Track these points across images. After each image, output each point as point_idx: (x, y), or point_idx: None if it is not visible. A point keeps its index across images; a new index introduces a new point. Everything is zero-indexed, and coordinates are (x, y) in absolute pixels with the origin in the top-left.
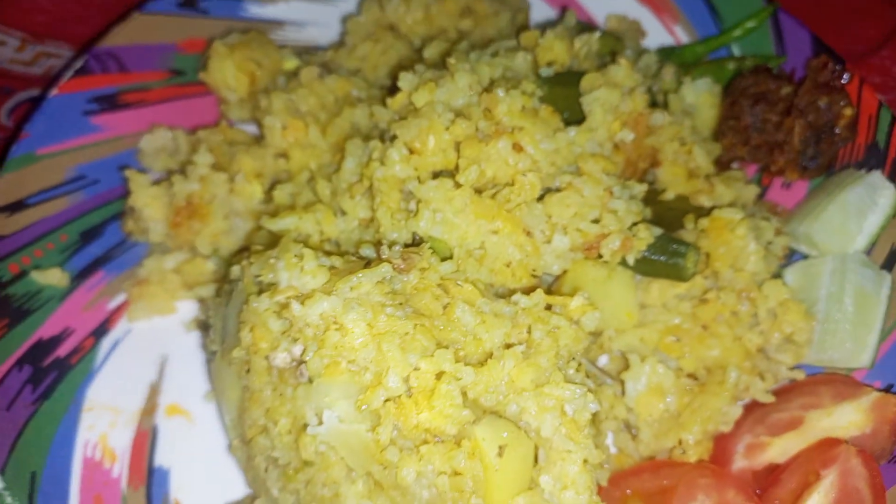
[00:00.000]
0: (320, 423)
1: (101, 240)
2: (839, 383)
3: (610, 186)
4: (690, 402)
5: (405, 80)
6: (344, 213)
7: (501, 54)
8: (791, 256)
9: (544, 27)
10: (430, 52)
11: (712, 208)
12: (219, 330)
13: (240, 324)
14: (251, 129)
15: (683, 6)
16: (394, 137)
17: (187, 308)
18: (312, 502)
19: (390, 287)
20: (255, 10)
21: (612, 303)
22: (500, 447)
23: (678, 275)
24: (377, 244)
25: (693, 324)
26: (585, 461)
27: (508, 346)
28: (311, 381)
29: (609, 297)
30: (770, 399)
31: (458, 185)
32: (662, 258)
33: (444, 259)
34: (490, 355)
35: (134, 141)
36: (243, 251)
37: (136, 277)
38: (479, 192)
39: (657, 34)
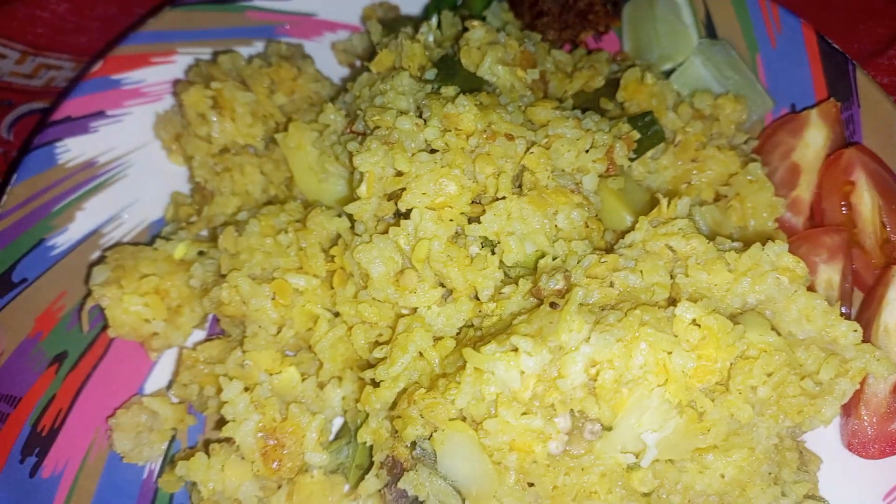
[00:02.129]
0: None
1: None
2: (788, 122)
3: (580, 122)
4: None
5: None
6: None
7: (386, 86)
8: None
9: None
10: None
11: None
12: None
13: None
14: None
15: None
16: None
17: None
18: None
19: None
20: None
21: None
22: None
23: (660, 137)
24: None
25: None
26: None
27: None
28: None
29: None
30: None
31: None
32: (645, 134)
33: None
34: None
35: None
36: None
37: None
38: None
39: None
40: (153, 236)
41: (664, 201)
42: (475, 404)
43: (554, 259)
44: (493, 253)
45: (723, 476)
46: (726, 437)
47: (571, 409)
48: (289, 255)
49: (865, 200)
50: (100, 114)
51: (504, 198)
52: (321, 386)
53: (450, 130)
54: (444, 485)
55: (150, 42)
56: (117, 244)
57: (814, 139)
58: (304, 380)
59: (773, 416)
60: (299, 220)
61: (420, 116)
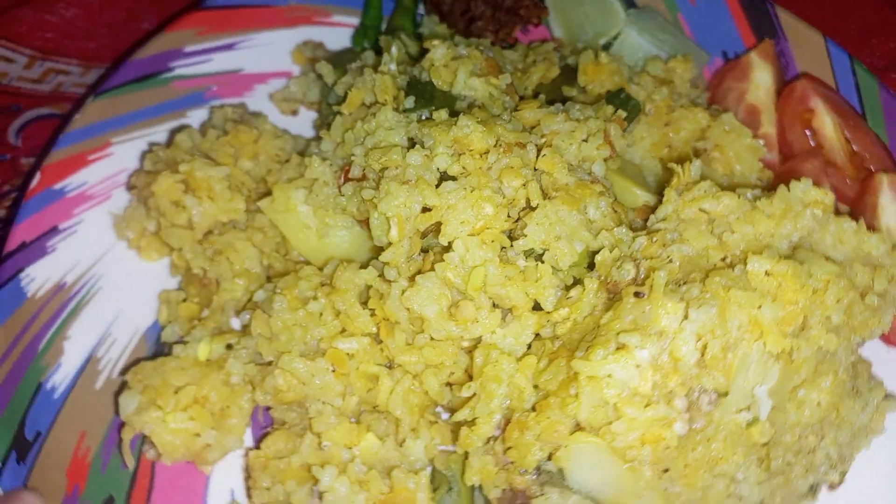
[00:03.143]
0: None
1: None
2: (731, 69)
3: (568, 114)
4: None
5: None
6: None
7: (370, 125)
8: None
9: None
10: None
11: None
12: None
13: None
14: None
15: None
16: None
17: None
18: None
19: None
20: None
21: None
22: None
23: (638, 109)
24: None
25: None
26: None
27: None
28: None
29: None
30: None
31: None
32: (626, 110)
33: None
34: None
35: None
36: None
37: None
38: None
39: None
40: (154, 344)
41: (679, 168)
42: (593, 412)
43: (600, 251)
44: (543, 261)
45: (819, 404)
46: (814, 369)
47: (690, 388)
48: (326, 321)
49: (826, 123)
50: (52, 231)
51: (537, 206)
52: (401, 443)
53: (463, 154)
54: (579, 499)
55: (82, 140)
56: (135, 362)
57: (762, 79)
58: (382, 441)
59: (847, 337)
60: (322, 283)
61: (414, 147)
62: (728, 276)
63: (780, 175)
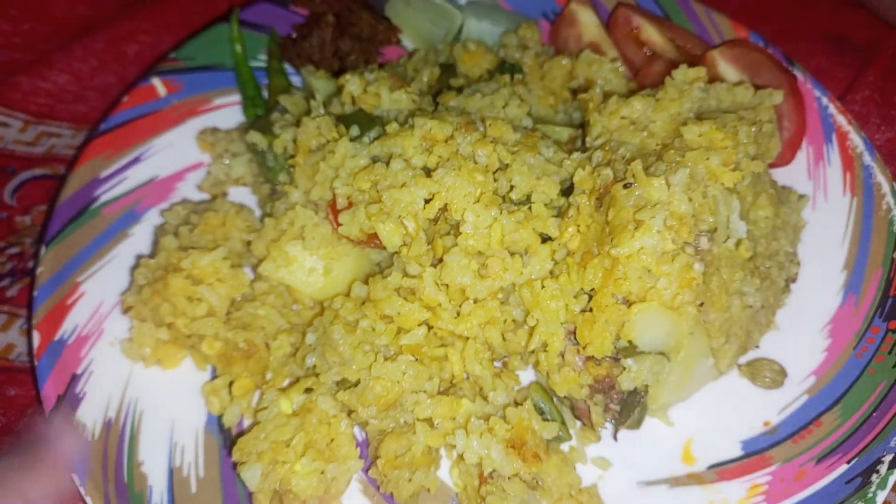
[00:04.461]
0: None
1: None
2: (559, 22)
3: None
4: None
5: None
6: None
7: (331, 163)
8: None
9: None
10: None
11: None
12: None
13: None
14: None
15: None
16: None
17: None
18: None
19: None
20: None
21: None
22: None
23: (520, 69)
24: None
25: None
26: None
27: None
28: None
29: None
30: None
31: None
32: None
33: None
34: None
35: None
36: None
37: None
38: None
39: None
40: (220, 433)
41: (588, 96)
42: (639, 282)
43: (574, 175)
44: (533, 202)
45: (766, 216)
46: (754, 192)
47: (694, 234)
48: (383, 330)
49: (652, 33)
50: (73, 378)
51: (509, 163)
52: (485, 398)
53: (434, 146)
54: (653, 358)
55: (55, 290)
56: (234, 440)
57: (588, 19)
58: (473, 402)
59: (763, 161)
60: (360, 303)
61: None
62: (675, 148)
63: (640, 84)
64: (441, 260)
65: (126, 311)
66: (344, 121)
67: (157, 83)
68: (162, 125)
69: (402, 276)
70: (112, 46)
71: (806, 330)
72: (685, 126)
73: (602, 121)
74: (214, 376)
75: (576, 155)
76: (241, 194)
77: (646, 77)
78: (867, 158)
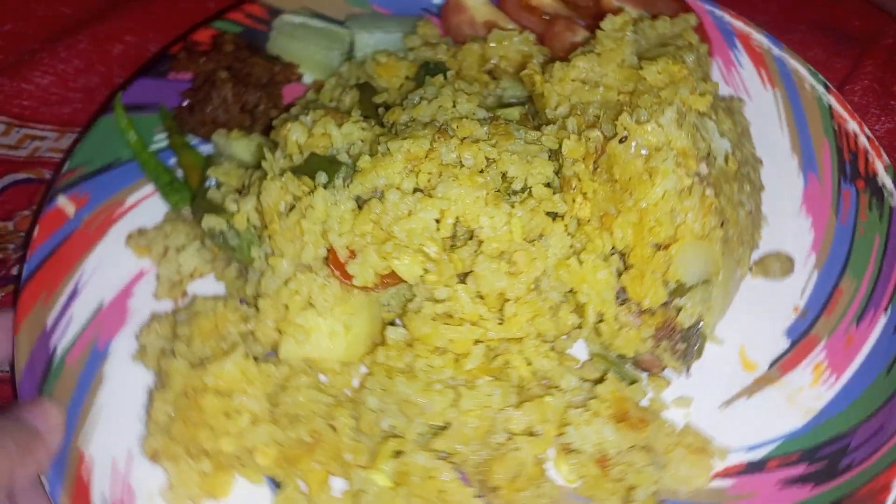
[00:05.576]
0: None
1: None
2: (447, 11)
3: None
4: None
5: None
6: None
7: (314, 219)
8: None
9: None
10: None
11: None
12: None
13: None
14: None
15: None
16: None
17: None
18: None
19: None
20: None
21: None
22: None
23: (446, 67)
24: None
25: None
26: None
27: None
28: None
29: None
30: None
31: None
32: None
33: None
34: None
35: None
36: None
37: None
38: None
39: None
40: None
41: (531, 71)
42: (668, 226)
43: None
44: (531, 187)
45: (730, 128)
46: (716, 109)
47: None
48: (445, 362)
49: None
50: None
51: (494, 158)
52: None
53: (415, 162)
54: (699, 288)
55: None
56: None
57: (474, 0)
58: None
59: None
60: (403, 347)
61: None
62: (643, 91)
63: (550, 48)
64: (466, 275)
65: (153, 458)
66: (302, 172)
67: (64, 202)
68: (83, 246)
69: (433, 304)
70: (97, 47)
71: (787, 216)
72: (643, 69)
73: (556, 89)
74: (276, 485)
75: (550, 128)
76: (204, 285)
77: (553, 40)
78: (775, 51)
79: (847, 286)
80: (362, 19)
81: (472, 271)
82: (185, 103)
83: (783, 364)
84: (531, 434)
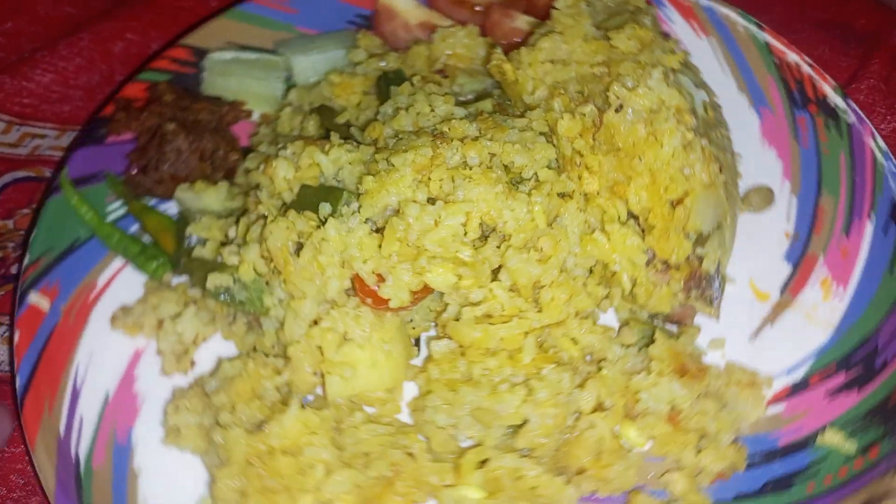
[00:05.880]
0: None
1: None
2: (379, 22)
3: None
4: None
5: None
6: None
7: (329, 252)
8: None
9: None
10: None
11: None
12: None
13: None
14: None
15: None
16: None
17: None
18: None
19: None
20: None
21: None
22: None
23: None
24: None
25: None
26: None
27: None
28: None
29: None
30: None
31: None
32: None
33: None
34: None
35: None
36: None
37: None
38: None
39: None
40: None
41: (497, 64)
42: (677, 183)
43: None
44: (539, 173)
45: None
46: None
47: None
48: (500, 367)
49: None
50: None
51: (495, 152)
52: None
53: (423, 172)
54: (715, 234)
55: None
56: None
57: (404, 3)
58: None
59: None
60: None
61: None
62: (619, 59)
63: (493, 37)
64: (495, 272)
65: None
66: (300, 207)
67: (36, 299)
68: (70, 341)
69: (472, 308)
70: (98, 45)
71: (751, 152)
72: (613, 39)
73: (529, 73)
74: None
75: (535, 112)
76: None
77: (493, 29)
78: (703, 1)
79: (827, 204)
80: (293, 43)
81: (500, 267)
82: (133, 166)
83: (792, 287)
84: (601, 409)
